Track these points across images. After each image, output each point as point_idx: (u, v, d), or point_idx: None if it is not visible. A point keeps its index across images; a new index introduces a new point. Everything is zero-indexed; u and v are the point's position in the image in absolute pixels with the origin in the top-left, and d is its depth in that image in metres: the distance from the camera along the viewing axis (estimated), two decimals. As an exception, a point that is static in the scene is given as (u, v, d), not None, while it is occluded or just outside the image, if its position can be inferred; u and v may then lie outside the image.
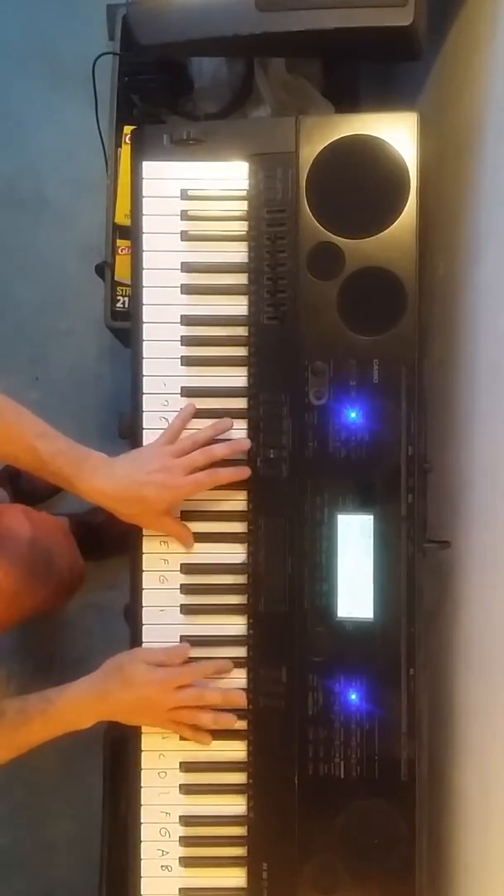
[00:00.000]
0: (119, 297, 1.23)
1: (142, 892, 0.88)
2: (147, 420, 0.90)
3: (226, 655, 0.88)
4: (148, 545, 0.90)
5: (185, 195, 0.91)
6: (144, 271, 0.91)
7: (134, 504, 0.86)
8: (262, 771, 0.88)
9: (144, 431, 0.90)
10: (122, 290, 1.22)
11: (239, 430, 0.89)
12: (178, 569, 0.89)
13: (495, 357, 0.85)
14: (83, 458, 0.86)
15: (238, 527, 0.89)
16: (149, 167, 0.91)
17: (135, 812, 0.89)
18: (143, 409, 0.90)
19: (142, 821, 0.89)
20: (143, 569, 0.90)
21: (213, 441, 0.88)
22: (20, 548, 1.12)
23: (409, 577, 0.86)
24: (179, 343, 0.90)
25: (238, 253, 0.90)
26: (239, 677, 0.88)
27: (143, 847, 0.89)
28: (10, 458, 0.87)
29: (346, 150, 0.89)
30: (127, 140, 1.20)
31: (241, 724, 0.88)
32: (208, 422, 0.89)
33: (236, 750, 0.88)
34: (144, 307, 0.91)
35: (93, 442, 0.88)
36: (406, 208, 0.87)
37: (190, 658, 0.88)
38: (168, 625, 0.89)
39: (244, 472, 0.88)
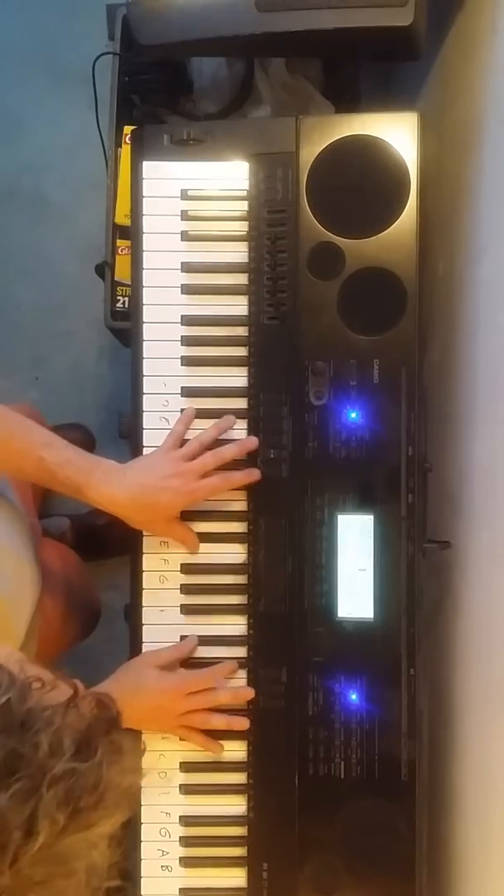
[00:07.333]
0: (119, 297, 1.22)
1: (142, 893, 0.88)
2: (147, 420, 0.90)
3: (226, 656, 0.88)
4: (148, 545, 0.90)
5: (185, 195, 0.91)
6: (144, 271, 0.91)
7: (146, 511, 0.85)
8: (262, 771, 0.88)
9: (145, 432, 0.90)
10: (122, 290, 1.22)
11: (239, 431, 0.89)
12: (178, 569, 0.89)
13: (495, 356, 0.85)
14: (93, 467, 0.84)
15: (238, 527, 0.89)
16: (149, 167, 0.91)
17: (135, 812, 0.89)
18: (144, 409, 0.90)
19: (142, 821, 0.88)
20: (143, 569, 0.90)
21: (218, 440, 0.88)
22: (58, 583, 1.11)
23: (409, 577, 0.86)
24: (179, 343, 0.90)
25: (238, 253, 0.90)
26: (239, 677, 0.88)
27: (143, 847, 0.89)
28: (18, 471, 0.86)
29: (347, 150, 0.89)
30: (127, 140, 1.19)
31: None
32: (209, 422, 0.88)
33: (236, 750, 0.88)
34: (144, 307, 0.91)
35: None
36: (406, 208, 0.87)
37: (191, 659, 0.88)
38: (168, 625, 0.89)
39: (255, 475, 0.87)
